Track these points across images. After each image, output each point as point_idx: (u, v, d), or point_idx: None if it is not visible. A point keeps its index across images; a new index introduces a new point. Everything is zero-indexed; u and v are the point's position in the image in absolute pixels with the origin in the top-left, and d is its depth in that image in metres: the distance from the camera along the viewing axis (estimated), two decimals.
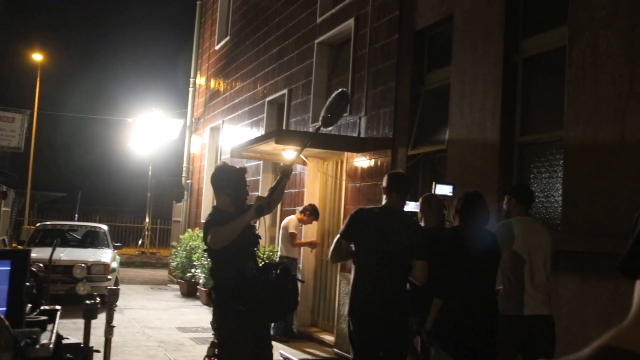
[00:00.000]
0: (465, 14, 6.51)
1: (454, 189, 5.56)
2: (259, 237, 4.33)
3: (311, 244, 9.23)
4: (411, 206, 5.48)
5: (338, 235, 4.42)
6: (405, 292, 4.40)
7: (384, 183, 4.45)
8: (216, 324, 4.13)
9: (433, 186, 5.56)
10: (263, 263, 4.31)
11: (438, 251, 4.32)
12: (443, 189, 5.55)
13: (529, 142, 5.86)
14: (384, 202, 4.46)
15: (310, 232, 9.47)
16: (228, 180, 4.25)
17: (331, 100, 4.56)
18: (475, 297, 4.21)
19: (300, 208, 9.47)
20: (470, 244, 4.28)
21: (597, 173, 4.76)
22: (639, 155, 4.42)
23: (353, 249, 4.39)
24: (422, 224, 5.15)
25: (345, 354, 7.77)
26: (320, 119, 4.61)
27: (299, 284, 4.51)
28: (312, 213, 8.92)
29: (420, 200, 5.33)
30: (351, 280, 4.39)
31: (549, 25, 5.70)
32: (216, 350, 4.26)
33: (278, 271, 4.19)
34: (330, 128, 4.78)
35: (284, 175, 4.27)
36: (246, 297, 3.98)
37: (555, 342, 4.49)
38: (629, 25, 4.62)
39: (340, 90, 4.76)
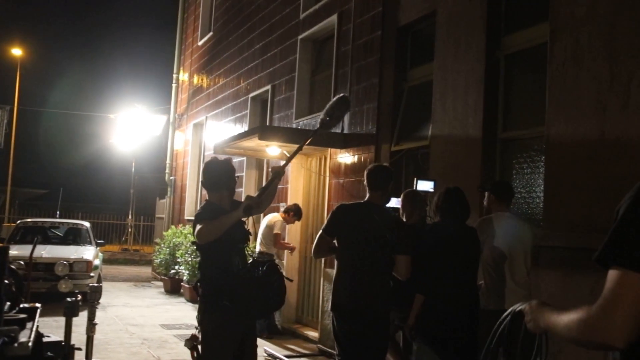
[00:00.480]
0: (448, 10, 6.53)
1: (435, 185, 5.58)
2: (249, 233, 4.33)
3: (291, 249, 9.28)
4: (393, 202, 5.50)
5: (321, 231, 4.42)
6: (389, 288, 4.40)
7: (364, 179, 4.46)
8: (200, 318, 4.12)
9: (414, 182, 5.57)
10: (251, 260, 4.30)
11: (419, 247, 4.33)
12: (424, 185, 5.57)
13: (511, 138, 5.89)
14: (367, 197, 4.47)
15: (294, 228, 9.46)
16: (229, 175, 4.26)
17: (331, 104, 4.59)
18: (456, 292, 4.23)
19: (283, 205, 9.47)
20: (451, 240, 4.30)
21: (578, 169, 4.80)
22: (619, 151, 4.46)
23: (336, 244, 4.39)
24: (404, 219, 5.16)
25: (329, 350, 7.78)
26: (319, 121, 4.62)
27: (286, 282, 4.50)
28: (295, 213, 8.91)
29: (402, 196, 5.34)
30: (334, 276, 4.40)
31: (531, 22, 5.73)
32: (195, 343, 4.24)
33: (265, 268, 4.19)
34: (320, 121, 4.76)
35: (276, 176, 4.26)
36: (231, 293, 3.98)
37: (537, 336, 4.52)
38: (608, 22, 4.65)
39: (341, 94, 4.80)
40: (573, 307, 1.58)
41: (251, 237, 4.52)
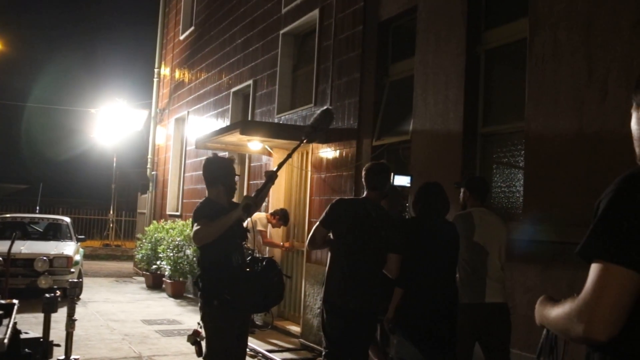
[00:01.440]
0: (429, 5, 6.54)
1: (411, 180, 5.60)
2: (247, 230, 4.41)
3: (286, 248, 9.27)
4: None
5: (318, 223, 4.48)
6: (380, 284, 4.44)
7: (363, 177, 4.56)
8: (202, 313, 4.18)
9: (392, 177, 5.59)
10: (250, 256, 4.35)
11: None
12: (401, 180, 5.58)
13: (492, 132, 5.93)
14: (364, 194, 4.56)
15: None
16: (224, 171, 4.32)
17: (316, 117, 4.70)
18: (435, 286, 4.26)
19: (268, 200, 9.44)
20: (430, 234, 4.33)
21: (557, 163, 4.85)
22: (597, 146, 4.51)
23: (331, 237, 4.45)
24: None
25: (311, 345, 7.80)
26: (304, 132, 4.71)
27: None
28: (282, 218, 8.92)
29: None
30: (327, 270, 4.44)
31: (511, 17, 5.77)
32: (197, 338, 4.28)
33: (264, 264, 4.25)
34: (305, 133, 4.82)
35: (270, 180, 4.33)
36: (231, 286, 4.03)
37: (511, 329, 4.59)
38: (586, 18, 4.70)
39: (325, 107, 4.97)
40: (563, 300, 1.60)
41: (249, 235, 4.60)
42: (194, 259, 10.91)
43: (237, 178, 4.43)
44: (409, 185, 5.55)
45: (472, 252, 4.56)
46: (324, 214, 4.49)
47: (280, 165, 4.52)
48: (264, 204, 9.43)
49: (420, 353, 4.21)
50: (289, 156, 4.52)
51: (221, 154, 11.48)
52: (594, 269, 1.46)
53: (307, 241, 4.62)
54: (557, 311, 1.57)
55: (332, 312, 4.32)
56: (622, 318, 1.41)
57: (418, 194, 4.52)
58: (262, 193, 4.30)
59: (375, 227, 4.35)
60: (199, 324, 4.25)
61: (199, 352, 4.27)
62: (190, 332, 4.53)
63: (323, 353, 4.44)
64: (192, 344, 4.35)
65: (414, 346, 4.21)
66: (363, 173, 4.55)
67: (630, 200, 1.46)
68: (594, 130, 4.54)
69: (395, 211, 5.24)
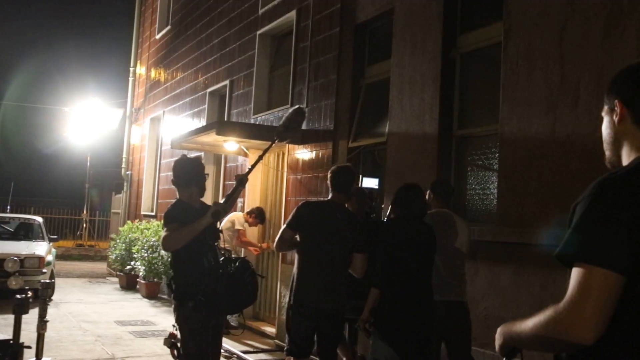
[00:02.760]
0: (405, 8, 6.59)
1: (380, 182, 5.64)
2: (219, 231, 4.43)
3: (260, 248, 9.25)
4: None
5: (284, 226, 4.54)
6: (346, 285, 4.49)
7: (328, 179, 4.60)
8: (176, 314, 4.17)
9: (360, 179, 5.63)
10: (223, 257, 4.35)
11: (375, 241, 4.42)
12: (369, 182, 5.63)
13: (467, 135, 5.99)
14: (330, 196, 4.58)
15: (252, 228, 9.41)
16: (196, 172, 4.30)
17: (288, 116, 4.73)
18: (412, 287, 4.29)
19: (243, 201, 9.43)
20: (408, 235, 4.37)
21: (530, 166, 4.91)
22: (569, 149, 4.58)
23: (298, 239, 4.48)
24: None
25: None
26: (276, 132, 4.72)
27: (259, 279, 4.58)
28: (258, 216, 8.92)
29: None
30: (294, 271, 4.47)
31: (486, 21, 5.83)
32: (173, 340, 4.27)
33: (237, 264, 4.26)
34: (277, 132, 4.83)
35: (240, 183, 4.35)
36: (205, 288, 4.03)
37: (471, 327, 4.68)
38: (559, 23, 4.77)
39: (297, 106, 5.02)
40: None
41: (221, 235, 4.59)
42: (169, 259, 10.84)
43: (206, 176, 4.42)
44: (377, 187, 5.60)
45: (438, 252, 4.64)
46: (290, 216, 4.56)
47: (251, 169, 4.54)
48: (239, 204, 9.42)
49: (396, 354, 4.23)
50: (260, 158, 4.54)
51: (196, 154, 11.43)
52: (577, 272, 1.47)
53: (275, 243, 4.67)
54: (535, 320, 1.55)
55: (299, 313, 4.39)
56: (607, 320, 1.43)
57: (397, 196, 4.55)
58: (231, 198, 4.32)
59: (341, 228, 4.42)
60: (174, 326, 4.24)
61: (175, 355, 4.25)
62: (164, 334, 4.52)
63: (285, 348, 4.50)
64: (169, 347, 4.34)
65: (390, 347, 4.23)
66: (329, 176, 4.61)
67: (608, 203, 1.49)
68: (566, 134, 4.61)
69: (363, 212, 5.30)
